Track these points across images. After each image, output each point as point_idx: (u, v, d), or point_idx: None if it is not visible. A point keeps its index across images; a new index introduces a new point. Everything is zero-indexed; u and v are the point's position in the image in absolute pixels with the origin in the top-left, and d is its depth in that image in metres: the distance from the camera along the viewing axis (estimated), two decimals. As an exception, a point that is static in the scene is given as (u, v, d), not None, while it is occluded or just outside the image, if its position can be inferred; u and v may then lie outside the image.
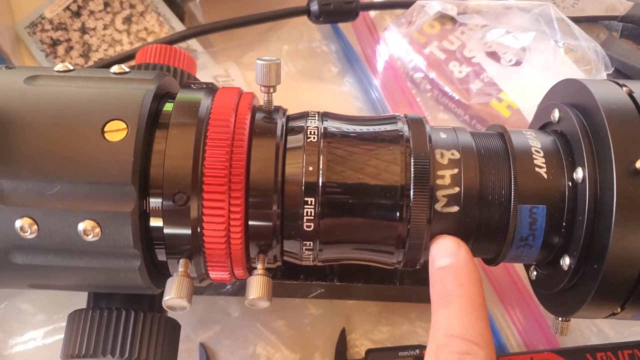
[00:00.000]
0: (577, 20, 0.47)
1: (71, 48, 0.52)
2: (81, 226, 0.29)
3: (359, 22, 0.52)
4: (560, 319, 0.34)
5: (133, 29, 0.52)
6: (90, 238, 0.29)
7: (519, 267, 0.45)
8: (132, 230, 0.29)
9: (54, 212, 0.29)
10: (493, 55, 0.49)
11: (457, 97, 0.47)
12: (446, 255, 0.30)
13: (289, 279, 0.43)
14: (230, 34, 0.51)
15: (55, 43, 0.52)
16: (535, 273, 0.35)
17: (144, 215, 0.30)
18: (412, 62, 0.49)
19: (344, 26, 0.52)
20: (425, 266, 0.43)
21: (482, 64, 0.48)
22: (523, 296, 0.44)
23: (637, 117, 0.29)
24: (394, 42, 0.50)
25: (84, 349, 0.33)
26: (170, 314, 0.37)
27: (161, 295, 0.35)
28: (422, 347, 0.41)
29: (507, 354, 0.42)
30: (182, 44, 0.50)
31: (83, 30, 0.52)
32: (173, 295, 0.29)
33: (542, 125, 0.35)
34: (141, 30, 0.52)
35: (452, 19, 0.50)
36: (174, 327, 0.36)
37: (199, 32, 0.47)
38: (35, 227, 0.29)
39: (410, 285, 0.43)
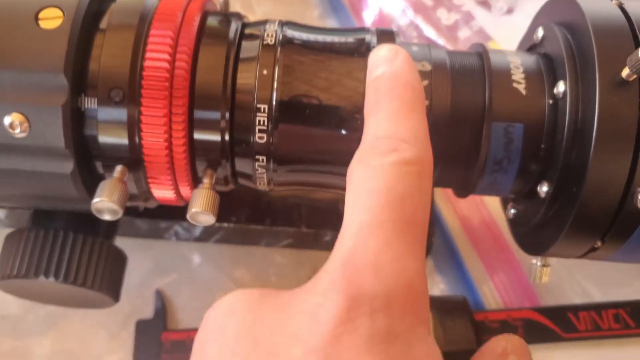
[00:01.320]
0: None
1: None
2: (7, 119, 0.26)
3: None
4: (538, 263, 0.31)
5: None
6: (17, 133, 0.26)
7: (501, 223, 0.42)
8: (62, 126, 0.26)
9: (-23, 103, 0.26)
10: (484, 4, 0.46)
11: (443, 45, 0.45)
12: (382, 63, 0.25)
13: (253, 223, 0.41)
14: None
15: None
16: (512, 211, 0.32)
17: (79, 114, 0.27)
18: (398, 7, 0.47)
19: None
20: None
21: (472, 12, 0.46)
22: (505, 254, 0.41)
23: (625, 27, 0.27)
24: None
25: (15, 269, 0.31)
26: (120, 244, 0.34)
27: (106, 222, 0.33)
28: (391, 299, 0.38)
29: (483, 310, 0.39)
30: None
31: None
32: (104, 197, 0.26)
33: (527, 48, 0.32)
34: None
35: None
36: (118, 257, 0.33)
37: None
38: (-44, 118, 0.26)
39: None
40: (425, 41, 0.46)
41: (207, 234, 0.42)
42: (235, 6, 0.48)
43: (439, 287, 0.41)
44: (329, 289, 0.20)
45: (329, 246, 0.41)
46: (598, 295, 0.40)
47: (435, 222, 0.41)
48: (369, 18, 0.48)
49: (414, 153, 0.22)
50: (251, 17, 0.31)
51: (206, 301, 0.40)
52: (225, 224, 0.40)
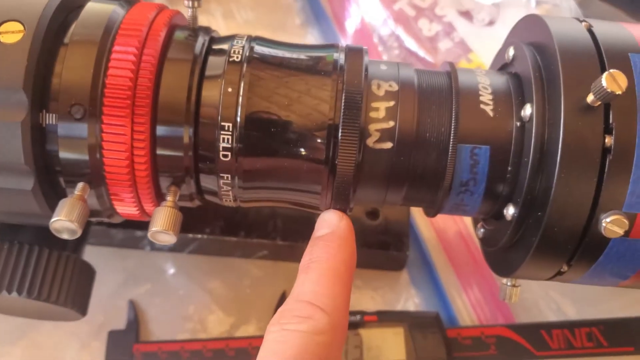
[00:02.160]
0: (556, -22, 0.44)
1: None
2: (-34, 136, 0.26)
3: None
4: (508, 283, 0.31)
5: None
6: (-24, 150, 0.26)
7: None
8: (22, 143, 0.26)
9: None
10: (466, 15, 0.46)
11: (423, 55, 0.44)
12: (325, 226, 0.29)
13: (228, 235, 0.40)
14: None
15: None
16: (482, 230, 0.32)
17: (40, 130, 0.27)
18: (380, 17, 0.46)
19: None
20: (375, 229, 0.40)
21: (453, 23, 0.45)
22: (480, 268, 0.41)
23: (592, 51, 0.26)
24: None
25: (-21, 283, 0.30)
26: (89, 259, 0.34)
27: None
28: (364, 313, 0.38)
29: (457, 327, 0.38)
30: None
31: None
32: (62, 216, 0.26)
33: (500, 67, 0.32)
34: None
35: (425, -25, 0.47)
36: (86, 271, 0.33)
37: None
38: None
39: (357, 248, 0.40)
40: (405, 52, 0.46)
41: (181, 245, 0.41)
42: (216, 14, 0.48)
43: (413, 300, 0.41)
44: None
45: (304, 258, 0.41)
46: (572, 312, 0.40)
47: (410, 235, 0.41)
48: (350, 27, 0.47)
49: (327, 322, 0.24)
50: (233, 25, 0.30)
51: (179, 313, 0.40)
52: (199, 236, 0.40)
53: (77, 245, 0.34)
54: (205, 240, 0.40)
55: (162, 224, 0.27)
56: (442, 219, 0.42)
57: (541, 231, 0.26)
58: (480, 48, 0.44)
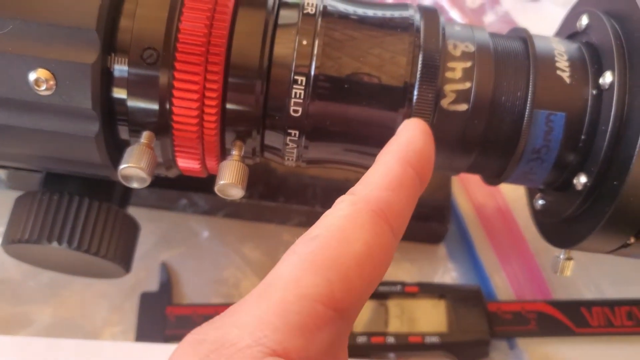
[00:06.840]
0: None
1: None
2: (33, 75, 0.24)
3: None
4: (562, 256, 0.31)
5: None
6: (43, 90, 0.25)
7: (516, 212, 0.41)
8: (91, 85, 0.25)
9: (2, 56, 0.24)
10: (511, -11, 0.45)
11: (467, 28, 0.44)
12: (412, 128, 0.26)
13: (267, 200, 0.39)
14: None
15: None
16: (541, 202, 0.32)
17: (108, 74, 0.26)
18: (423, -12, 0.46)
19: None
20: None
21: (498, -3, 0.45)
22: (518, 244, 0.40)
23: (679, 19, 0.26)
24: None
25: (27, 234, 0.29)
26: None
27: (121, 189, 0.32)
28: (405, 284, 0.37)
29: (496, 301, 0.38)
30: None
31: None
32: (132, 163, 0.25)
33: (567, 36, 0.31)
34: None
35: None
36: (131, 226, 0.32)
37: None
38: (-22, 71, 0.25)
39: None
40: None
41: (215, 208, 0.41)
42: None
43: (451, 274, 0.40)
44: None
45: (341, 227, 0.41)
46: (610, 291, 0.40)
47: (450, 209, 0.40)
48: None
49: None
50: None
51: (213, 277, 0.39)
52: (237, 199, 0.39)
53: (123, 200, 0.33)
54: (242, 204, 0.40)
55: (231, 177, 0.26)
56: (480, 193, 0.42)
57: (616, 201, 0.26)
58: (524, 23, 0.43)
